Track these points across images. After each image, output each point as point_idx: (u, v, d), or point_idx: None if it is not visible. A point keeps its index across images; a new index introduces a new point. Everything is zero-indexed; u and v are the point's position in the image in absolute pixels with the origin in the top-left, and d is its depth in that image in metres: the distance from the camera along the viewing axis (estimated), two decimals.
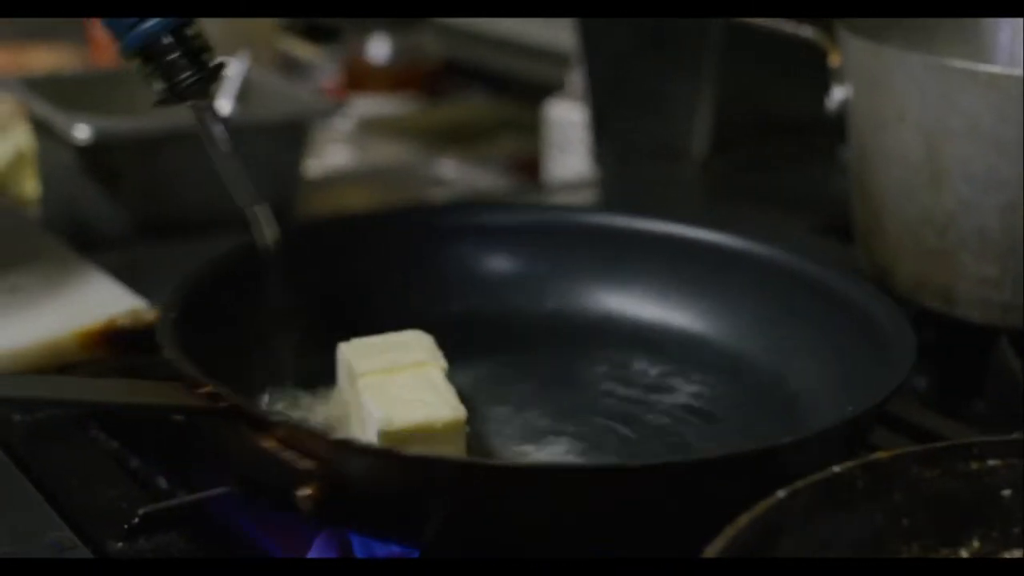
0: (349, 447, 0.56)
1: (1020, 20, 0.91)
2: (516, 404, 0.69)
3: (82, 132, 0.90)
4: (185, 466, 0.69)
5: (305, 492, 0.54)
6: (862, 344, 0.67)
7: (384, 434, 0.61)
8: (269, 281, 0.70)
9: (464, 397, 0.65)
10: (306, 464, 0.54)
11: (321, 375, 0.69)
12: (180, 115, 1.01)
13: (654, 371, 0.73)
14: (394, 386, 0.64)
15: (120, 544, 0.60)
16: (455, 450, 0.62)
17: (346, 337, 0.69)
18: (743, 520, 0.47)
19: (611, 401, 0.70)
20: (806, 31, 0.88)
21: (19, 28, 1.53)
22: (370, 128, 1.38)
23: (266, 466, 0.56)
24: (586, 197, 1.12)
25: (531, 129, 1.30)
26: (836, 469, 0.51)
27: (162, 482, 0.69)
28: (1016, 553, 0.52)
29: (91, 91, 1.04)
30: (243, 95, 1.06)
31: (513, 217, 0.78)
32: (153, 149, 0.93)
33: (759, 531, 0.47)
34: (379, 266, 0.75)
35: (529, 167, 1.30)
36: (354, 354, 0.67)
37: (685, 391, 0.71)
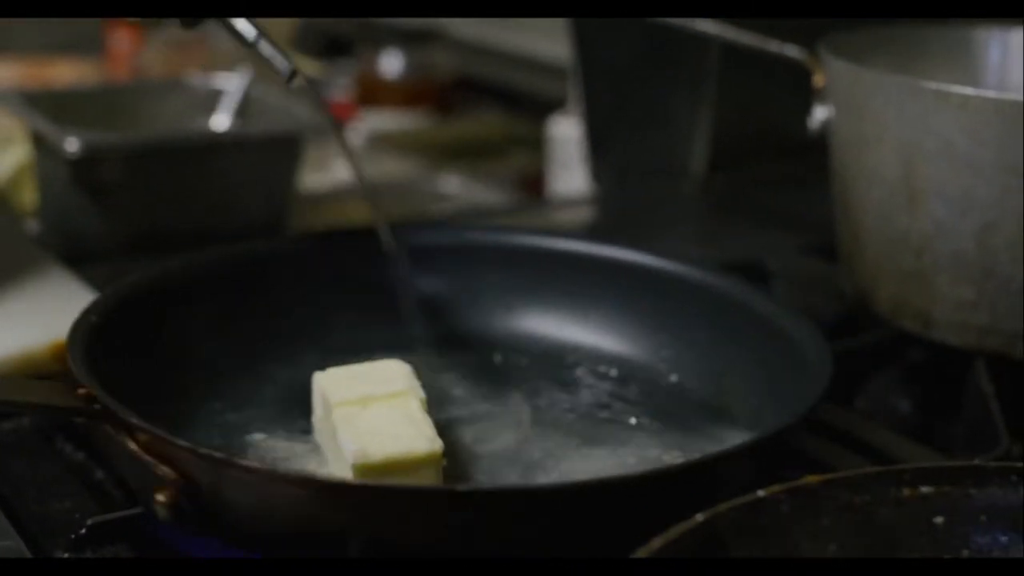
0: (196, 454, 0.56)
1: (1010, 39, 0.91)
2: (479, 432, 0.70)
3: (72, 145, 0.92)
4: None
5: (160, 497, 0.55)
6: (786, 363, 0.69)
7: (358, 468, 0.60)
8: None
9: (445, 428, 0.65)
10: (163, 470, 0.55)
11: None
12: (169, 129, 1.04)
13: (591, 393, 0.74)
14: (370, 417, 0.63)
15: (66, 554, 0.60)
16: (431, 482, 0.62)
17: (275, 361, 0.71)
18: (656, 543, 0.47)
19: (561, 420, 0.71)
20: (792, 51, 0.88)
21: (42, 42, 1.55)
22: (380, 143, 1.39)
23: (132, 469, 0.58)
24: (584, 214, 1.12)
25: (541, 145, 1.30)
26: (760, 493, 0.51)
27: (122, 494, 0.70)
28: None
29: (92, 105, 1.05)
30: (243, 110, 1.07)
31: (440, 238, 0.79)
32: (142, 162, 0.94)
33: (673, 554, 0.47)
34: (320, 288, 0.77)
35: (535, 183, 1.30)
36: (330, 384, 0.66)
37: (619, 410, 0.73)
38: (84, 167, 0.93)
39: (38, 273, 0.86)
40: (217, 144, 0.99)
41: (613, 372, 0.76)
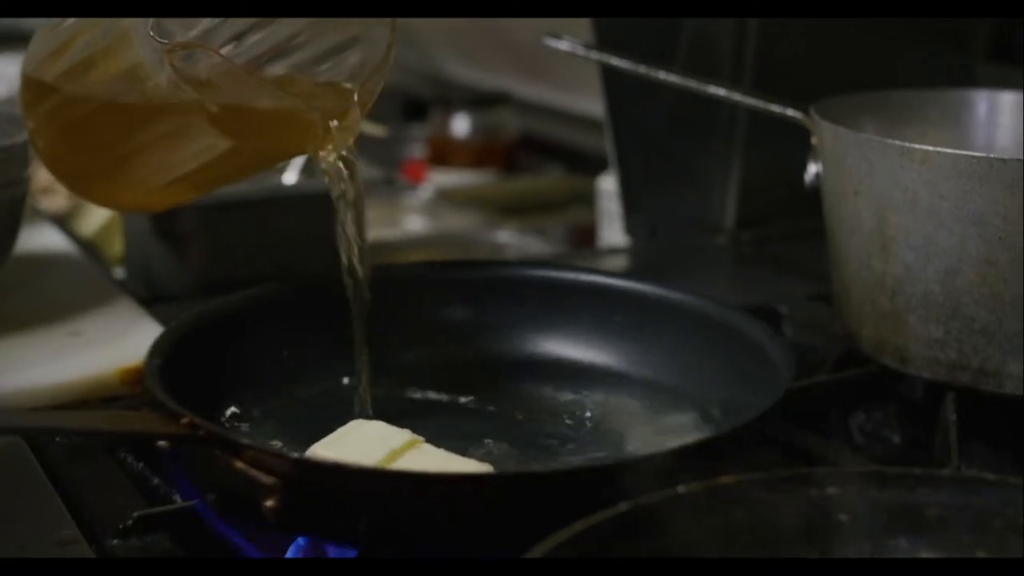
0: (305, 464, 0.66)
1: (999, 101, 0.98)
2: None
3: None
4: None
5: (269, 503, 0.64)
6: (756, 374, 0.77)
7: None
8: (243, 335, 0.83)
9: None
10: (269, 480, 0.65)
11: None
12: (239, 186, 1.15)
13: (580, 403, 0.85)
14: (409, 465, 0.70)
15: (115, 541, 0.71)
16: None
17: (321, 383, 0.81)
18: (578, 526, 0.56)
19: (548, 428, 0.82)
20: (792, 112, 0.96)
21: None
22: (446, 198, 1.50)
23: (237, 483, 0.67)
24: (619, 263, 1.21)
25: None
26: (681, 488, 0.59)
27: (177, 499, 0.80)
28: None
29: None
30: (308, 168, 1.18)
31: (463, 273, 0.91)
32: (214, 216, 1.06)
33: (596, 536, 0.56)
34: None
35: (588, 235, 1.40)
36: (342, 451, 0.71)
37: (598, 413, 0.83)
38: (162, 219, 1.05)
39: (116, 311, 0.98)
40: (280, 198, 1.11)
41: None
